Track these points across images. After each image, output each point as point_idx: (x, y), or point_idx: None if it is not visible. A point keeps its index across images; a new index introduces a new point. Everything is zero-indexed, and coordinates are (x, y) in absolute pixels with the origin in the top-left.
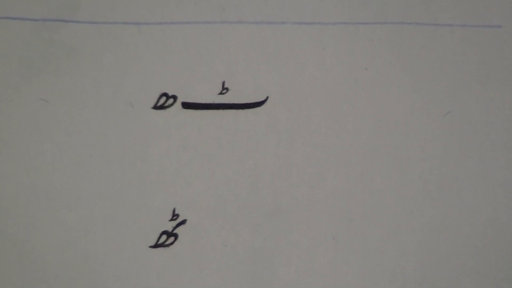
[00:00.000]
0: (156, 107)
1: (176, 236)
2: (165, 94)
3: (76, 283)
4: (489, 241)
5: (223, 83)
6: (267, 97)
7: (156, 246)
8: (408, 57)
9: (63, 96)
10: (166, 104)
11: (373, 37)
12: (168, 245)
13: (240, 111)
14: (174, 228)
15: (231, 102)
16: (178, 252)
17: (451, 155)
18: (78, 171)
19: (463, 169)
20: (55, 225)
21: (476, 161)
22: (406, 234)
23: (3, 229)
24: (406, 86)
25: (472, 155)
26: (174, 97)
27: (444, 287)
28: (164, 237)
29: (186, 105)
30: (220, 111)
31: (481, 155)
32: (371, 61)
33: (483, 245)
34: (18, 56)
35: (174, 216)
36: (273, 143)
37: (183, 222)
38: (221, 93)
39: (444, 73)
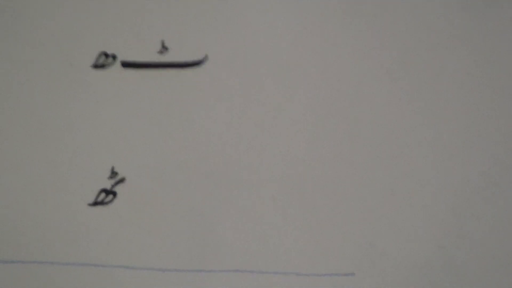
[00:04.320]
0: (95, 66)
1: (115, 194)
2: (104, 53)
3: (14, 242)
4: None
5: (162, 42)
6: (207, 56)
7: (95, 204)
8: (356, 18)
9: (1, 58)
10: (106, 63)
11: None
12: (107, 203)
13: (180, 70)
14: (113, 186)
15: (171, 61)
16: (117, 210)
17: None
18: (17, 131)
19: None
20: None
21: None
22: (347, 194)
23: None
24: (353, 46)
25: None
26: (114, 56)
27: (390, 249)
28: (103, 195)
29: (126, 64)
30: (160, 70)
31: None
32: (317, 18)
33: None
34: None
35: (113, 174)
36: (213, 103)
37: (122, 180)
38: (160, 52)
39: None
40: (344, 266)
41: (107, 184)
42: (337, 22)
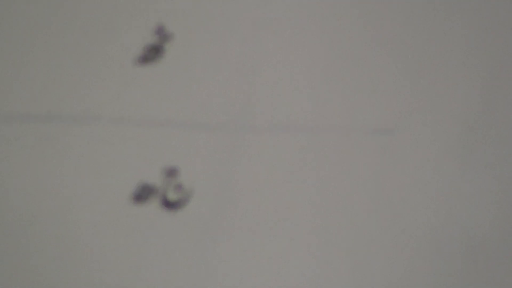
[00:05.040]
0: None
1: (162, 50)
2: None
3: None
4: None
5: None
6: None
7: (143, 60)
8: None
9: None
10: None
11: None
12: (155, 59)
13: None
14: (162, 42)
15: None
16: (165, 67)
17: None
18: None
19: None
20: None
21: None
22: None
23: None
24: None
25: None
26: None
27: (429, 104)
28: (152, 52)
29: None
30: None
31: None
32: None
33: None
34: None
35: (161, 31)
36: None
37: (169, 36)
38: None
39: None
40: (383, 123)
41: (155, 40)
42: None
